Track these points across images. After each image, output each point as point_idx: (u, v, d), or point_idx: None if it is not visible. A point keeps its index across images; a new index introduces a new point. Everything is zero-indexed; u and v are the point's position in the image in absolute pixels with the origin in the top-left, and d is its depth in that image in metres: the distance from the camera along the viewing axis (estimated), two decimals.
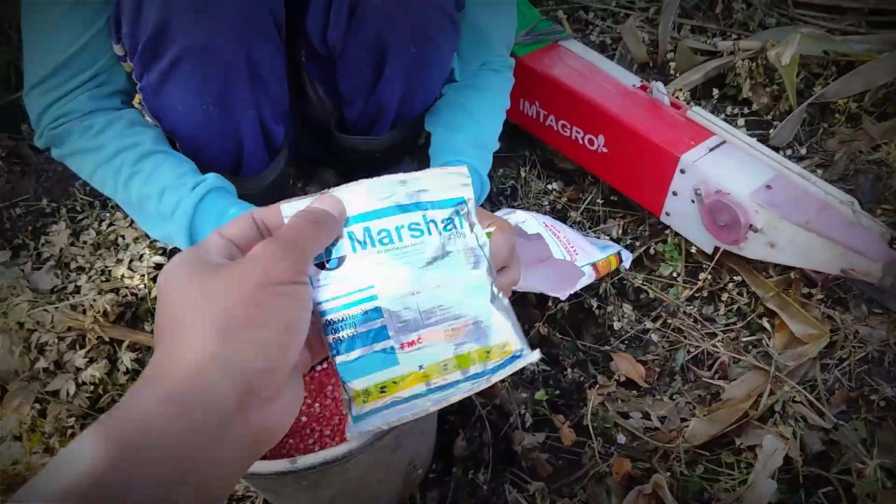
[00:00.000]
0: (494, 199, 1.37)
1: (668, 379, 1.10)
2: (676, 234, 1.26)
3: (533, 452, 1.02)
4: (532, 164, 1.43)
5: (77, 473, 0.31)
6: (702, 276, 1.20)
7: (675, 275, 1.22)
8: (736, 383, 1.04)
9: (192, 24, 0.80)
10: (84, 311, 1.18)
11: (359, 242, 0.45)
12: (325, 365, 1.08)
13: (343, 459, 0.77)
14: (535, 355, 0.47)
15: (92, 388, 1.11)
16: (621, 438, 1.02)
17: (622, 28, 1.61)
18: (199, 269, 0.39)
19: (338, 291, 0.45)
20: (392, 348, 0.45)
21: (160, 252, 1.27)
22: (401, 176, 0.48)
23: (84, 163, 0.88)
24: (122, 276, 1.23)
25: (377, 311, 0.45)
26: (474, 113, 1.03)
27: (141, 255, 1.26)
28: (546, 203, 1.36)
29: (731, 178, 1.13)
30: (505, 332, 0.47)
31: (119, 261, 1.26)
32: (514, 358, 0.47)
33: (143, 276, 1.24)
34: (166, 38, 0.81)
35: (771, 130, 1.47)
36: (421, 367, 0.46)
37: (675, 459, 0.96)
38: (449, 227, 0.48)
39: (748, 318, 1.14)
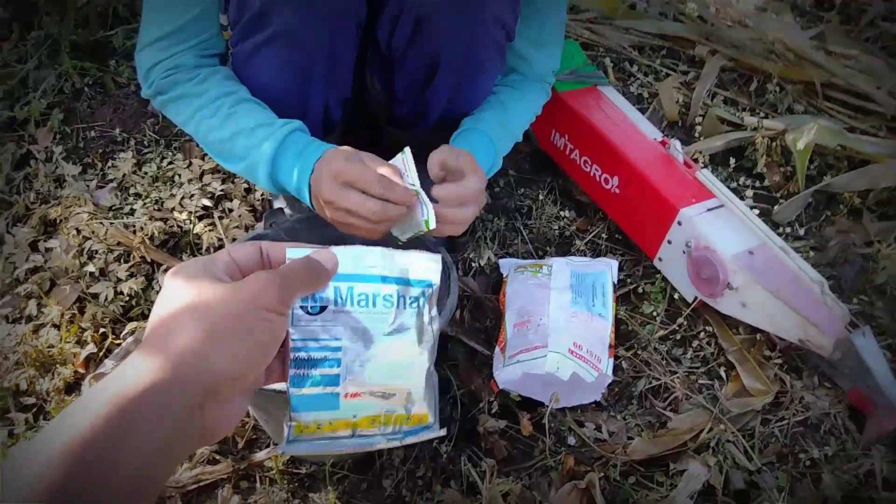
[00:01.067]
0: (511, 215, 1.51)
1: (626, 402, 1.23)
2: (665, 279, 1.39)
3: (493, 436, 1.15)
4: (551, 189, 1.57)
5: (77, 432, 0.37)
6: (679, 320, 1.33)
7: (654, 314, 1.35)
8: (683, 416, 1.17)
9: (290, 12, 0.96)
10: (134, 232, 1.34)
11: (341, 298, 0.52)
12: None
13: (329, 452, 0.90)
14: (441, 432, 0.57)
15: (127, 298, 1.27)
16: (571, 440, 1.15)
17: (660, 85, 1.75)
18: (204, 279, 0.45)
19: (312, 334, 0.51)
20: (337, 395, 0.52)
21: (209, 196, 1.43)
22: (391, 251, 0.55)
23: (187, 106, 1.03)
24: (173, 209, 1.39)
25: (337, 362, 0.52)
26: (506, 103, 1.18)
27: (192, 195, 1.42)
28: (556, 228, 1.50)
29: (720, 238, 1.26)
30: (426, 406, 0.56)
31: (172, 195, 1.42)
32: (426, 428, 0.56)
33: (190, 213, 1.39)
34: (266, 19, 0.97)
35: (776, 207, 1.59)
36: (355, 416, 0.53)
37: (612, 466, 1.09)
38: (414, 305, 0.56)
39: (709, 365, 1.27)
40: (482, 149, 1.11)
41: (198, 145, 1.51)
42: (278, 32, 0.99)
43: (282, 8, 0.97)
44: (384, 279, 0.54)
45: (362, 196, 0.88)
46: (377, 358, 0.54)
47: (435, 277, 0.57)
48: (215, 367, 0.42)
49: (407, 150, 0.95)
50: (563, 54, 1.60)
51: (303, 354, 0.51)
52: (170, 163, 1.49)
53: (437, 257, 0.57)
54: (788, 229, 1.56)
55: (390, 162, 0.95)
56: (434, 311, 0.57)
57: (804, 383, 1.24)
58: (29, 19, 1.80)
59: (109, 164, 1.49)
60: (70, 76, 1.64)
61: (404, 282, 0.55)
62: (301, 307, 0.51)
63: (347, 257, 0.53)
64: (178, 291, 0.44)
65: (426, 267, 0.56)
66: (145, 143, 1.55)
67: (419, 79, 1.15)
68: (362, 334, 0.53)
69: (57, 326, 1.24)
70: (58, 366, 1.19)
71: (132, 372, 0.41)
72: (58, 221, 1.37)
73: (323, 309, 0.52)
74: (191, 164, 1.49)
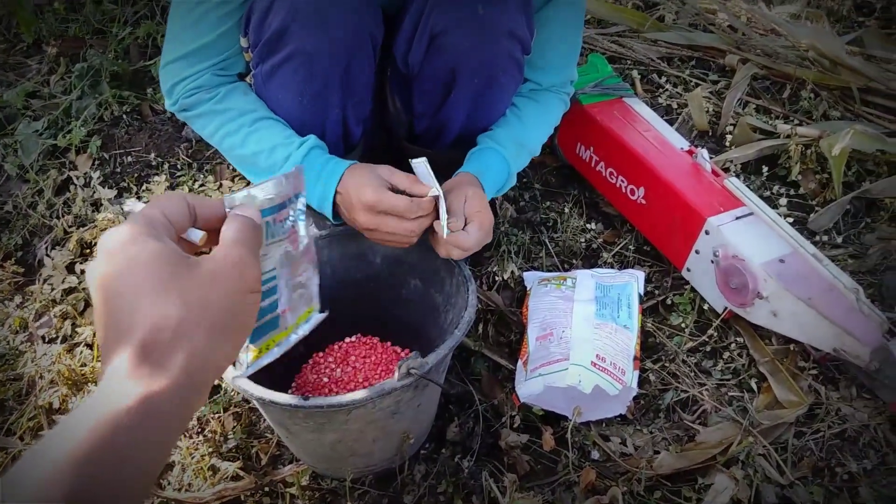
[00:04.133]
0: (536, 228, 1.50)
1: (653, 415, 1.19)
2: (693, 289, 1.35)
3: (515, 451, 1.14)
4: (577, 202, 1.56)
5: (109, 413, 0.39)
6: (708, 331, 1.29)
7: (683, 326, 1.32)
8: (711, 429, 1.13)
9: (305, 33, 0.98)
10: None
11: (271, 231, 0.58)
12: (352, 339, 1.24)
13: (346, 407, 0.91)
14: (322, 315, 0.68)
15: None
16: (595, 455, 1.13)
17: (689, 95, 1.72)
18: (173, 261, 0.44)
19: None
20: (278, 316, 0.61)
21: None
22: (274, 178, 0.59)
23: (210, 123, 1.08)
24: None
25: (274, 289, 0.59)
26: (523, 117, 1.18)
27: None
28: (583, 240, 1.48)
29: (749, 247, 1.23)
30: (312, 301, 0.67)
31: None
32: (313, 316, 0.67)
33: None
34: (283, 40, 0.99)
35: (812, 215, 1.54)
36: (286, 327, 0.62)
37: (636, 481, 1.06)
38: (302, 218, 0.63)
39: (740, 377, 1.23)
40: (495, 168, 1.13)
41: (227, 164, 1.56)
42: (295, 53, 1.01)
43: (298, 29, 0.99)
44: (289, 203, 0.61)
45: (398, 220, 0.97)
46: (294, 274, 0.63)
47: (300, 188, 0.63)
48: (219, 363, 0.45)
49: (424, 160, 0.98)
50: (589, 67, 1.60)
51: None
52: (201, 185, 1.53)
53: (300, 167, 0.64)
54: (826, 237, 1.51)
55: (410, 174, 1.01)
56: (303, 206, 0.64)
57: (841, 394, 1.19)
58: (76, 53, 1.89)
59: (144, 187, 1.54)
60: (109, 105, 1.70)
61: (295, 199, 0.62)
62: None
63: (269, 190, 0.58)
64: (155, 279, 0.43)
65: (298, 182, 0.63)
66: (178, 166, 1.60)
67: (437, 95, 1.16)
68: (284, 259, 0.60)
69: (90, 346, 1.28)
70: (89, 384, 1.22)
71: (154, 377, 0.41)
72: (93, 244, 1.42)
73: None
74: (221, 185, 1.52)
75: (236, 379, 0.61)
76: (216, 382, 0.57)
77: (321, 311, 0.69)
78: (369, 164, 1.03)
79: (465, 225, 1.01)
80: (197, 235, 0.50)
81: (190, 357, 0.42)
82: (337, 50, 1.02)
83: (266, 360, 0.60)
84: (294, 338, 0.64)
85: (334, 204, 1.03)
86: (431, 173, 0.98)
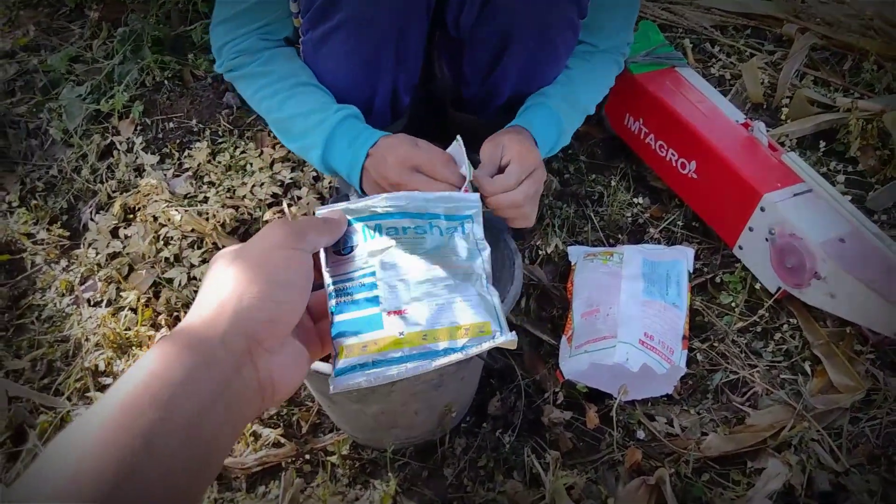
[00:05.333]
0: (581, 202, 1.47)
1: (700, 396, 1.16)
2: (745, 268, 1.31)
3: (558, 427, 1.12)
4: (624, 175, 1.51)
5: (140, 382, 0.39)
6: (760, 311, 1.25)
7: (733, 305, 1.27)
8: (762, 412, 1.10)
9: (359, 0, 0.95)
10: (207, 219, 1.37)
11: (370, 235, 0.54)
12: None
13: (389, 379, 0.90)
14: (510, 336, 0.52)
15: (200, 283, 1.30)
16: (640, 435, 1.10)
17: (744, 66, 1.65)
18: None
19: (344, 269, 0.53)
20: (379, 315, 0.51)
21: (279, 184, 1.45)
22: (424, 194, 0.57)
23: (252, 84, 1.06)
24: (244, 196, 1.42)
25: (373, 285, 0.53)
26: (573, 77, 1.13)
27: (262, 183, 1.44)
28: (629, 215, 1.44)
29: (807, 225, 1.18)
30: (484, 314, 0.53)
31: (244, 183, 1.44)
32: (489, 338, 0.52)
33: (261, 200, 1.42)
34: (336, 6, 0.96)
35: (870, 193, 1.48)
36: (401, 333, 0.51)
37: (684, 462, 1.04)
38: (451, 231, 0.57)
39: (793, 359, 1.19)
40: (544, 124, 1.07)
41: (268, 132, 1.54)
42: (347, 19, 0.98)
43: None
44: (415, 216, 0.57)
45: (428, 179, 0.91)
46: (417, 275, 0.54)
47: (471, 212, 0.59)
48: (247, 313, 0.43)
49: (459, 138, 0.94)
50: (639, 35, 1.54)
51: (337, 287, 0.52)
52: (242, 152, 1.52)
53: (476, 196, 0.60)
54: (885, 216, 1.44)
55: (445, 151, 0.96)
56: (480, 234, 0.59)
57: None
58: (117, 17, 1.88)
59: (186, 153, 1.53)
60: (151, 70, 1.69)
61: (437, 216, 0.57)
62: (334, 251, 0.54)
63: (375, 202, 0.56)
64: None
65: (461, 205, 0.59)
66: (220, 132, 1.59)
67: (488, 60, 1.12)
68: (395, 255, 0.54)
69: (134, 310, 1.28)
70: (133, 348, 1.23)
71: (176, 336, 0.42)
72: (136, 209, 1.42)
73: (353, 248, 0.54)
74: (262, 152, 1.51)
75: (330, 384, 0.52)
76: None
77: (493, 334, 0.53)
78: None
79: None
80: None
81: (214, 307, 0.44)
82: (392, 16, 0.99)
83: (371, 375, 0.49)
84: (440, 359, 0.51)
85: (364, 171, 1.00)
86: (465, 155, 0.92)
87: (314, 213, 0.55)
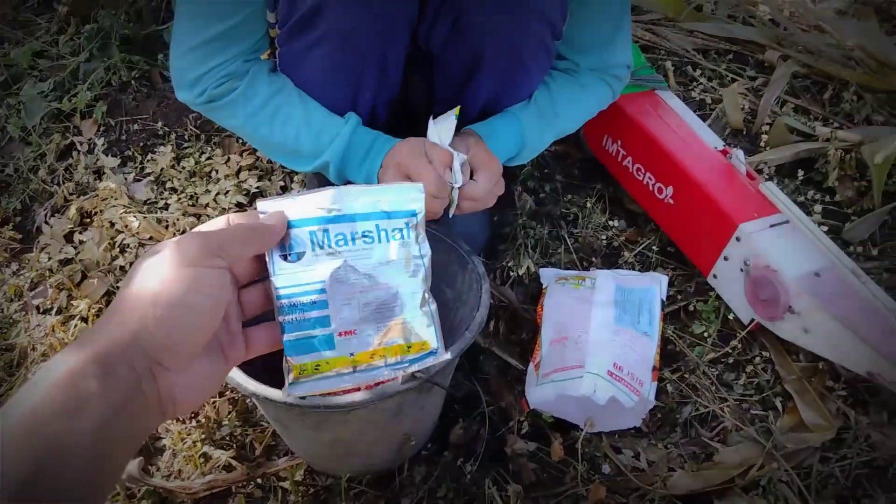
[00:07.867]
0: (556, 222, 1.43)
1: (669, 429, 1.13)
2: (719, 297, 1.28)
3: (521, 458, 1.08)
4: (600, 197, 1.48)
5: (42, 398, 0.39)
6: (732, 343, 1.22)
7: (705, 335, 1.25)
8: (732, 449, 1.07)
9: (342, 11, 0.90)
10: (167, 227, 1.32)
11: (318, 242, 0.53)
12: None
13: (345, 408, 0.85)
14: (447, 355, 0.56)
15: None
16: (606, 469, 1.06)
17: (724, 91, 1.64)
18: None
19: (294, 281, 0.52)
20: (331, 335, 0.53)
21: (244, 192, 1.40)
22: (364, 187, 0.56)
23: (239, 110, 0.99)
24: (207, 204, 1.36)
25: (324, 303, 0.53)
26: (555, 95, 1.11)
27: (227, 191, 1.39)
28: (604, 238, 1.41)
29: (783, 257, 1.15)
30: (426, 333, 0.56)
31: (208, 191, 1.39)
32: (430, 354, 0.57)
33: (224, 209, 1.37)
34: (318, 18, 0.91)
35: (847, 224, 1.46)
36: (352, 353, 0.54)
37: (649, 501, 1.00)
38: (397, 237, 0.56)
39: (764, 394, 1.16)
40: (505, 130, 1.06)
41: (236, 138, 1.49)
42: (331, 32, 0.93)
43: (335, 6, 0.91)
44: (361, 216, 0.55)
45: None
46: (365, 293, 0.55)
47: (417, 206, 0.57)
48: (147, 335, 0.43)
49: (454, 113, 0.97)
50: None
51: (288, 301, 0.52)
52: (208, 158, 1.47)
53: (418, 185, 0.58)
54: (860, 248, 1.42)
55: (439, 121, 0.98)
56: (422, 239, 0.58)
57: (871, 420, 1.12)
58: (87, 13, 1.82)
59: (149, 157, 1.48)
60: (118, 69, 1.64)
61: (384, 215, 0.56)
62: (280, 256, 0.52)
63: (321, 199, 0.54)
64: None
65: (406, 197, 0.57)
66: (186, 137, 1.53)
67: (458, 76, 1.08)
68: (346, 273, 0.54)
69: (85, 320, 1.22)
70: None
71: (83, 345, 0.42)
72: (93, 213, 1.36)
73: (301, 255, 0.53)
74: (229, 159, 1.46)
75: (284, 391, 0.54)
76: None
77: (435, 350, 0.57)
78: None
79: (472, 175, 0.97)
80: None
81: (118, 321, 0.43)
82: (373, 31, 0.95)
83: (321, 385, 0.53)
84: (384, 371, 0.55)
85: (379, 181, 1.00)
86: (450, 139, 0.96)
87: (255, 208, 0.53)
